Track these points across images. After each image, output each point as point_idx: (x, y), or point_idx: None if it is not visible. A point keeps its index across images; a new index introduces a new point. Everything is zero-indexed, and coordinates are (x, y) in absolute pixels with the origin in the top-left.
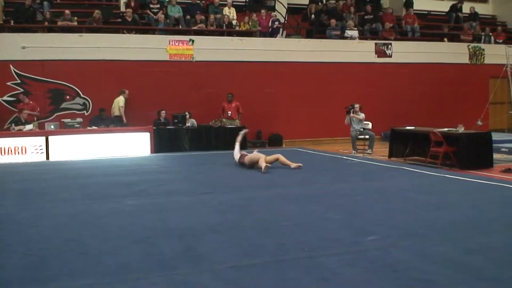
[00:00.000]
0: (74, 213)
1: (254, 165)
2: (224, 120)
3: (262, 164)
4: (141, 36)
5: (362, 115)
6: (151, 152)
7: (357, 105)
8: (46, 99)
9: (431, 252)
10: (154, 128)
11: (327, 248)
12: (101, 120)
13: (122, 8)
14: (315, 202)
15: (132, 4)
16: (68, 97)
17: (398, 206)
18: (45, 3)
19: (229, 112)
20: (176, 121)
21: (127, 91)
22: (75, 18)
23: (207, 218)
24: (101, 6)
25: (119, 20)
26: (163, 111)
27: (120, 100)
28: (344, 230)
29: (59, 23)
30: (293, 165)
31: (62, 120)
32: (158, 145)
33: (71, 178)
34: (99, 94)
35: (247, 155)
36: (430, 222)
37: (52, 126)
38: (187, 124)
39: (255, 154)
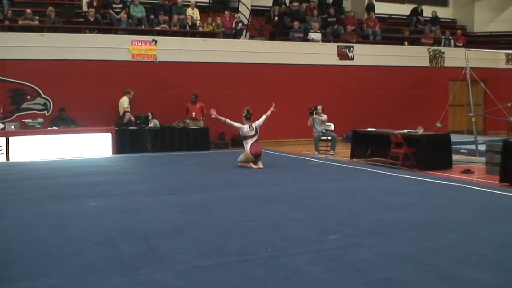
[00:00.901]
0: (37, 213)
1: (252, 159)
2: (188, 121)
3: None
4: (103, 36)
5: (324, 117)
6: (113, 153)
7: (319, 107)
8: (7, 99)
9: (392, 251)
10: (116, 128)
11: (290, 247)
12: (61, 120)
13: (85, 8)
14: (278, 202)
15: (95, 3)
16: (29, 97)
17: (360, 206)
18: (5, 1)
19: (194, 113)
20: (138, 121)
21: (132, 92)
22: (37, 17)
23: (170, 219)
24: (63, 6)
25: (81, 19)
26: (128, 113)
27: (124, 101)
28: (307, 229)
29: (20, 22)
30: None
31: (23, 120)
32: (120, 146)
33: (32, 179)
34: (61, 94)
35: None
36: (391, 222)
37: (13, 127)
38: (150, 125)
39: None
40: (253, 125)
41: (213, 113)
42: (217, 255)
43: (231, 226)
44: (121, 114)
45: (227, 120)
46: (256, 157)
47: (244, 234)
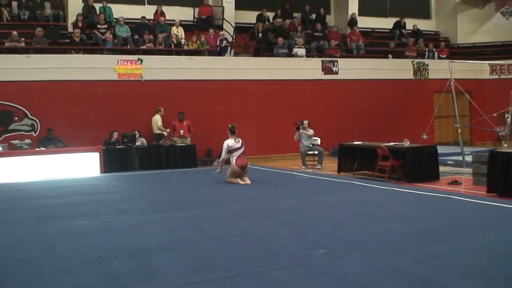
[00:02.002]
0: (25, 233)
1: (238, 172)
2: (176, 138)
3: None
4: (89, 56)
5: (311, 131)
6: (101, 172)
7: (306, 121)
8: None
9: (380, 263)
10: (104, 148)
11: (278, 262)
12: (49, 140)
13: (70, 29)
14: (266, 217)
15: (80, 24)
16: (16, 118)
17: (347, 220)
18: None
19: (182, 131)
20: (125, 140)
21: (162, 109)
22: (23, 39)
23: (159, 236)
24: (48, 27)
25: (67, 40)
26: (115, 133)
27: (157, 120)
28: (295, 244)
29: (6, 44)
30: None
31: (11, 141)
32: (108, 165)
33: (20, 199)
34: (47, 115)
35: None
36: (379, 234)
37: (0, 148)
38: (137, 143)
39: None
40: (238, 138)
41: (219, 171)
42: (206, 271)
43: (219, 242)
44: (154, 132)
45: (222, 157)
46: (242, 169)
47: (232, 250)
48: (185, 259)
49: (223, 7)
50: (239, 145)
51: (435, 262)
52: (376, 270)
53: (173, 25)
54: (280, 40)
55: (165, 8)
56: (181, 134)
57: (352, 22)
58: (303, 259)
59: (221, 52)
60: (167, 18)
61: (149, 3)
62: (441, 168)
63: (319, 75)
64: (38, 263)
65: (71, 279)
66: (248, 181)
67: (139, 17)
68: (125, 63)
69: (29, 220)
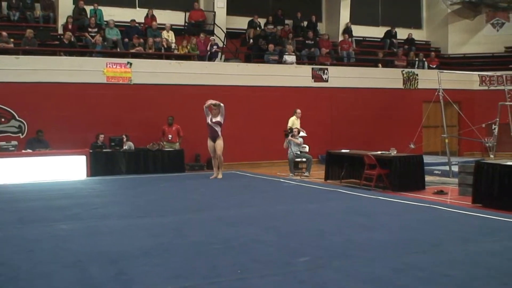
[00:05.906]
0: (5, 237)
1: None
2: (165, 143)
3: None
4: (78, 59)
5: (300, 140)
6: (87, 176)
7: (295, 129)
8: None
9: (360, 272)
10: (91, 151)
11: (259, 269)
12: (38, 142)
13: (60, 31)
14: (250, 224)
15: (70, 26)
16: (3, 119)
17: (331, 228)
18: None
19: (170, 136)
20: (113, 144)
21: (298, 110)
22: (12, 40)
23: (140, 242)
24: (38, 28)
25: (57, 42)
26: (102, 135)
27: (290, 121)
28: (277, 251)
29: None
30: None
31: None
32: (94, 168)
33: (3, 202)
34: (35, 117)
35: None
36: (361, 243)
37: None
38: (124, 147)
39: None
40: (212, 118)
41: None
42: (185, 277)
43: (201, 248)
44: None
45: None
46: (209, 137)
47: (214, 257)
48: (165, 265)
49: (215, 12)
50: (211, 121)
51: (415, 272)
52: (356, 280)
53: (163, 29)
54: (271, 46)
55: (156, 12)
56: (170, 138)
57: (347, 31)
58: (284, 267)
59: (211, 57)
60: (158, 21)
61: (140, 6)
62: (428, 178)
63: (309, 82)
64: (16, 266)
65: (48, 284)
66: (218, 174)
67: (130, 20)
68: (114, 66)
69: (11, 223)
